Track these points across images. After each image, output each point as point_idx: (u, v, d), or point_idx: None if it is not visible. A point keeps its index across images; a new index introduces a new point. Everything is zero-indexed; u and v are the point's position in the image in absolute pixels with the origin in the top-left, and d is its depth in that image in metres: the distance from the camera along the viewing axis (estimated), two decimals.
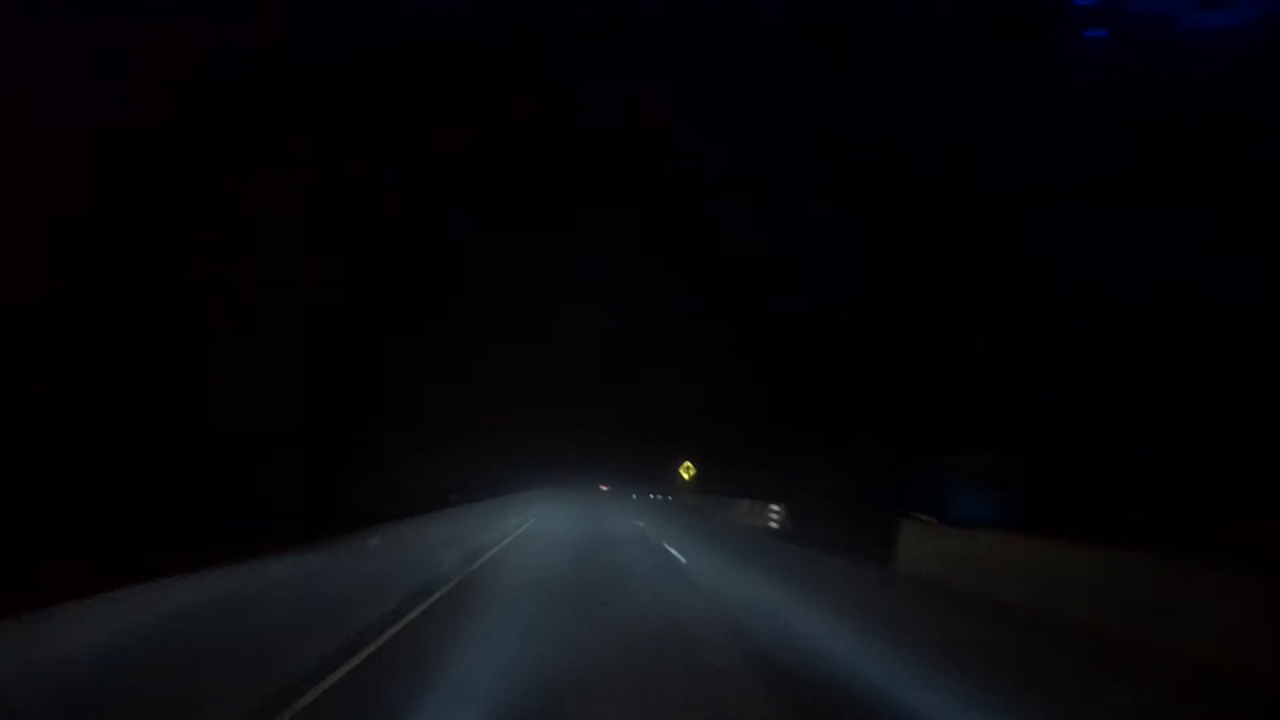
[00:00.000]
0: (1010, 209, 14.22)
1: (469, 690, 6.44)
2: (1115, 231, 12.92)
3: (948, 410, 17.67)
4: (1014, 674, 7.52)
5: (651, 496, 66.19)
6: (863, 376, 22.29)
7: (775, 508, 27.69)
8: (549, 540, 20.17)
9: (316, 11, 11.89)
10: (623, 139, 17.24)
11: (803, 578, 13.94)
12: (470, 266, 22.54)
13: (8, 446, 8.10)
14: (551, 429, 53.19)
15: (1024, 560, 11.03)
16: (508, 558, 15.75)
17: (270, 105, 11.71)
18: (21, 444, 8.22)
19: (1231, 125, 11.05)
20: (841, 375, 23.83)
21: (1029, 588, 10.54)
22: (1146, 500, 11.76)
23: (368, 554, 9.43)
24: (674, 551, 17.67)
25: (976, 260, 15.49)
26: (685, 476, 54.94)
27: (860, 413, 23.13)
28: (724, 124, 16.58)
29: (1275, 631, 7.21)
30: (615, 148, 17.64)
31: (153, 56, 10.09)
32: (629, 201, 21.15)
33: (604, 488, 73.97)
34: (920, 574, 13.52)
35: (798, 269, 22.89)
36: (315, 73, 12.19)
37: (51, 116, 9.53)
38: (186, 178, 10.73)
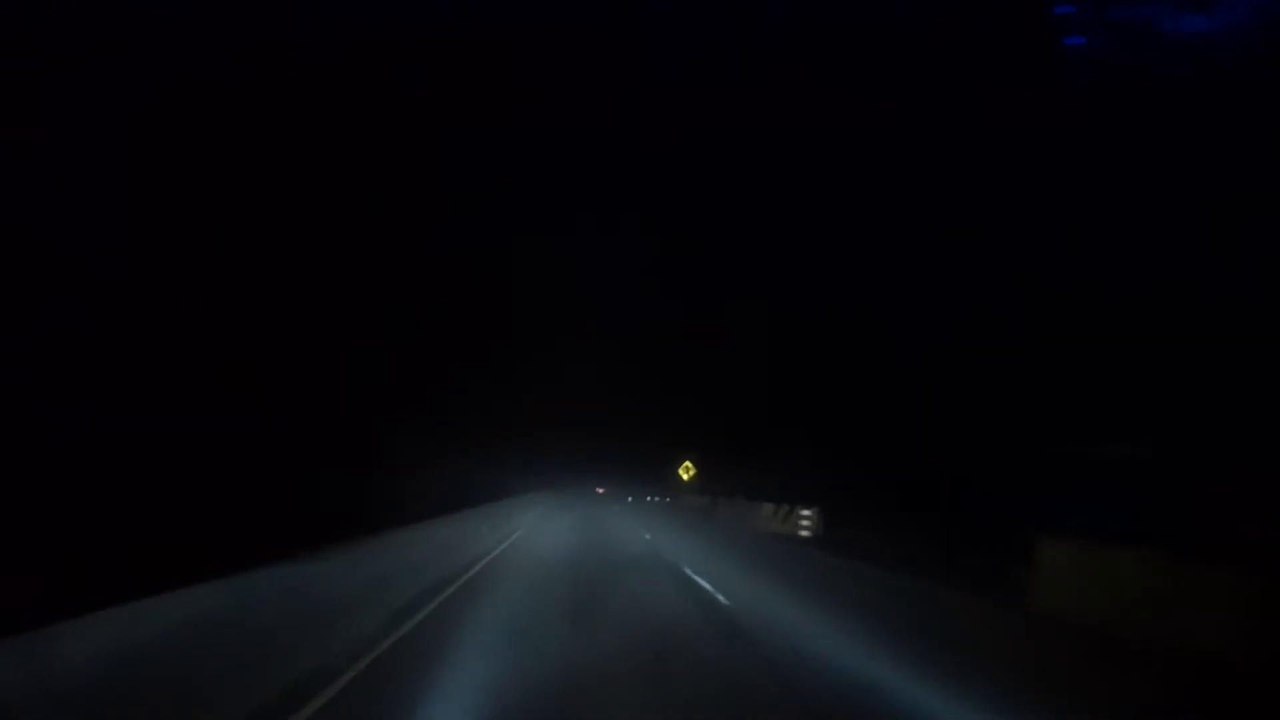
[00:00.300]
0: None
1: None
2: (1118, 233, 12.94)
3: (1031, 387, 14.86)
4: None
5: (649, 499, 63.25)
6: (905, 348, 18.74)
7: (806, 513, 23.39)
8: (536, 568, 14.49)
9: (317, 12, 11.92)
10: (624, 141, 17.26)
11: (914, 630, 9.53)
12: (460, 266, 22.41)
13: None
14: (542, 428, 49.48)
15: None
16: (469, 608, 10.29)
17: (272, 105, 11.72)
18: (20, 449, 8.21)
19: (1214, 126, 11.10)
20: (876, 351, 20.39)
21: None
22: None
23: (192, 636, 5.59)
24: (703, 583, 12.79)
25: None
26: (685, 477, 51.24)
27: (914, 391, 19.06)
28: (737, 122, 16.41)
29: None
30: (616, 151, 17.67)
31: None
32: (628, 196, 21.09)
33: (600, 490, 71.50)
34: (1084, 618, 9.36)
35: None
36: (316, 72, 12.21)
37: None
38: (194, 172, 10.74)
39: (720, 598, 11.40)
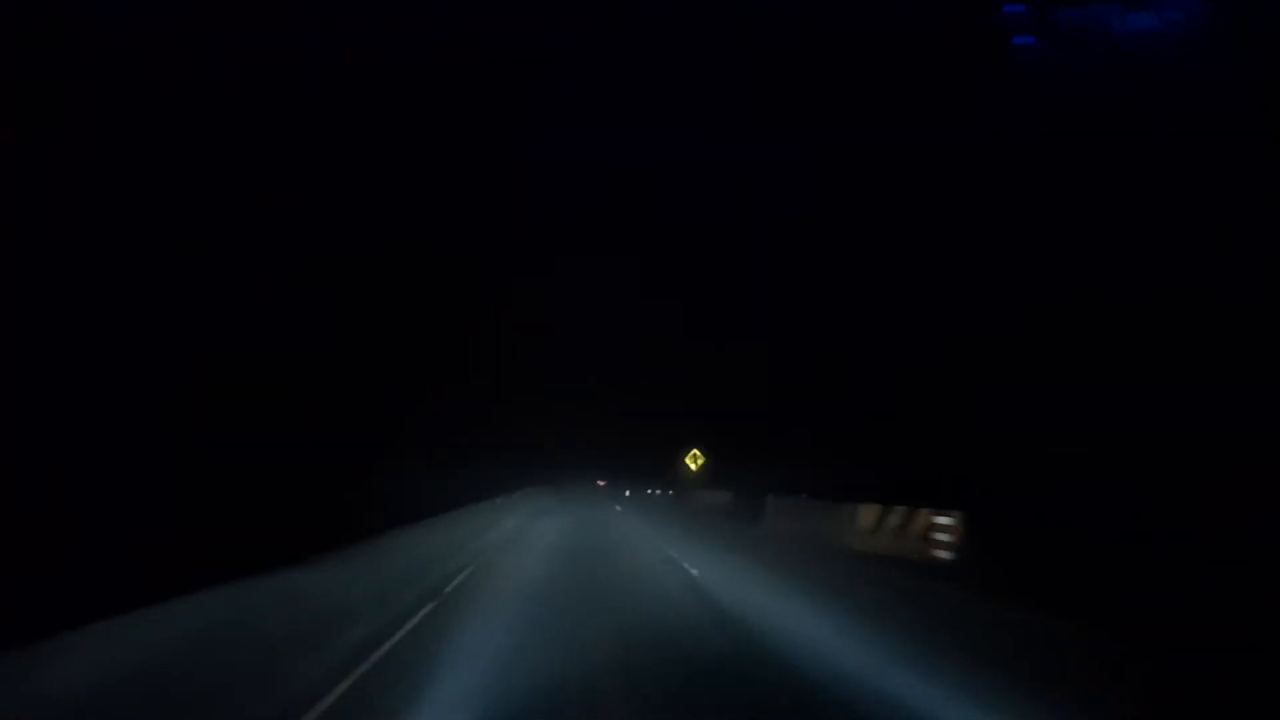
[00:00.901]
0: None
1: None
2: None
3: None
4: None
5: (649, 492, 57.18)
6: None
7: (945, 521, 14.06)
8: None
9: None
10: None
11: None
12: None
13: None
14: (521, 413, 43.75)
15: None
16: None
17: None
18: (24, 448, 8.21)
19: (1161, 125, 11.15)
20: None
21: None
22: None
23: None
24: None
25: None
26: (692, 467, 43.98)
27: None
28: None
29: None
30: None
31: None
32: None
33: (602, 483, 66.68)
34: None
35: None
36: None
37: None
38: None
39: None
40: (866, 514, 17.28)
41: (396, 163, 15.12)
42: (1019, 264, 14.78)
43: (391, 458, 17.92)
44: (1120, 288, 13.14)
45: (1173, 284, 12.29)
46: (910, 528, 15.35)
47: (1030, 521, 12.42)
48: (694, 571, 13.61)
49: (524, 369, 36.55)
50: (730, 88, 15.30)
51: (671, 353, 38.59)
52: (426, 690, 6.49)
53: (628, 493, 59.12)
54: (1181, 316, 12.06)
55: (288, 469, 12.39)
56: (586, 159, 17.88)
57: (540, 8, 13.53)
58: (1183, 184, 11.54)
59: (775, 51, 14.31)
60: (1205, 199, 11.57)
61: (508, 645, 8.18)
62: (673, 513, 35.82)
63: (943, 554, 13.82)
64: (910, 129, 14.51)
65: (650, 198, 20.68)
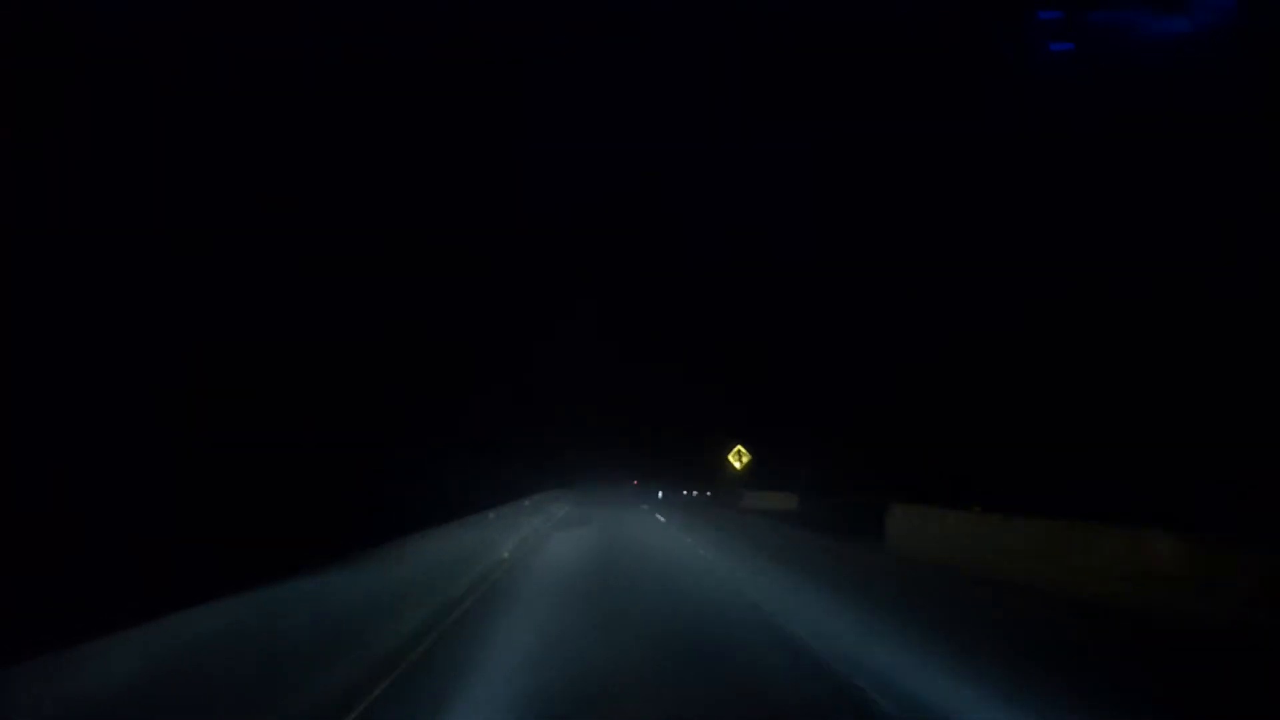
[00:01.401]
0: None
1: None
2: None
3: None
4: None
5: (685, 494, 52.95)
6: None
7: None
8: None
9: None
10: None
11: None
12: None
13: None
14: (537, 412, 41.27)
15: None
16: None
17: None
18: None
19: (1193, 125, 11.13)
20: None
21: None
22: None
23: None
24: None
25: None
26: (736, 465, 41.20)
27: None
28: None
29: None
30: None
31: None
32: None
33: (635, 482, 62.08)
34: None
35: None
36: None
37: None
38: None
39: None
40: (1141, 546, 10.91)
41: (396, 163, 15.13)
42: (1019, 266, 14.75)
43: (380, 463, 15.67)
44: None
45: None
46: (1234, 577, 9.47)
47: None
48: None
49: (535, 369, 36.02)
50: (730, 87, 15.30)
51: (687, 348, 37.80)
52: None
53: (660, 494, 53.26)
54: None
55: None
56: (591, 159, 17.88)
57: (539, 8, 13.54)
58: (1190, 184, 11.54)
59: (775, 51, 14.32)
60: (1208, 199, 11.57)
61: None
62: (725, 521, 28.27)
63: None
64: (910, 128, 14.50)
65: (650, 197, 20.68)
